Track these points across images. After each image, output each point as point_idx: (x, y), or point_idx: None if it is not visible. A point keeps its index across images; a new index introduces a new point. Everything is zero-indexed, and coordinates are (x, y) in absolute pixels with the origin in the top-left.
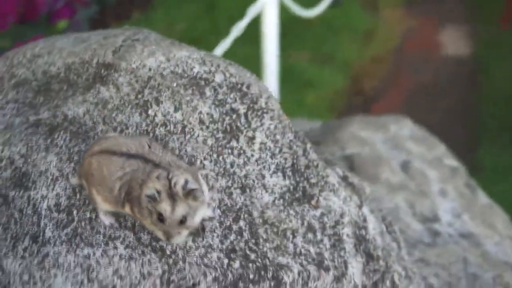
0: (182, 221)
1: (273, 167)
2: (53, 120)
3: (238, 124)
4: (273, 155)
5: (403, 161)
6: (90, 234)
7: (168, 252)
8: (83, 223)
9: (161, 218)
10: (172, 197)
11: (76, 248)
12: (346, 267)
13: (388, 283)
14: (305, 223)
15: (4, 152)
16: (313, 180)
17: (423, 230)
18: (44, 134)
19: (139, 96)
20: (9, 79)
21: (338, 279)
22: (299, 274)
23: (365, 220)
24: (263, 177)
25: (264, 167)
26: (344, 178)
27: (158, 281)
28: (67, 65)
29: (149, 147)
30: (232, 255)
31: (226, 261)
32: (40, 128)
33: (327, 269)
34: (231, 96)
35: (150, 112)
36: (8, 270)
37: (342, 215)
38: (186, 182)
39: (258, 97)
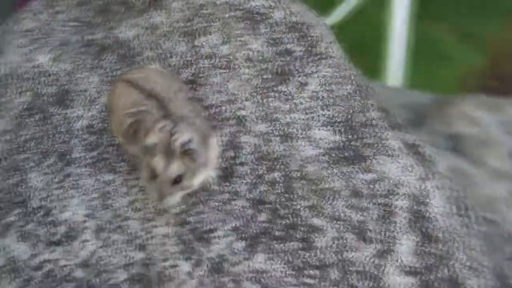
0: (177, 181)
1: (323, 119)
2: (104, 41)
3: (291, 67)
4: (325, 106)
5: None
6: (115, 161)
7: (190, 192)
8: (110, 149)
9: (153, 174)
10: (169, 153)
11: (98, 172)
12: (393, 243)
13: (445, 270)
14: (351, 186)
15: (53, 68)
16: (368, 141)
17: None
18: (93, 55)
19: (188, 24)
20: None
21: (381, 254)
22: (333, 240)
23: (427, 195)
24: (309, 128)
25: (312, 117)
26: (412, 147)
27: (172, 220)
28: None
29: (174, 93)
30: (260, 207)
31: (251, 211)
32: (91, 48)
33: (369, 241)
34: (289, 36)
35: (196, 42)
36: (30, 184)
37: (397, 185)
38: (189, 141)
39: (319, 40)
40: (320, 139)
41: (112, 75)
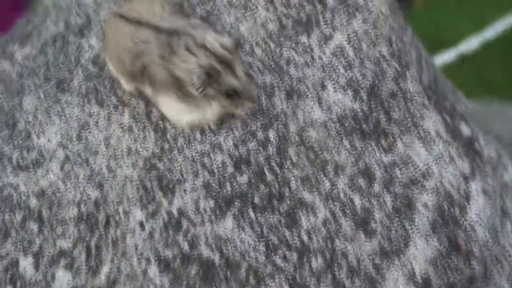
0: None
1: (343, 80)
2: None
3: (319, 17)
4: (348, 66)
5: None
6: (105, 94)
7: (168, 136)
8: (106, 81)
9: (230, 93)
10: (225, 62)
11: (87, 103)
12: (405, 245)
13: None
14: (361, 165)
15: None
16: (395, 115)
17: None
18: None
19: None
20: None
21: (385, 254)
22: (324, 223)
23: (468, 198)
24: (324, 88)
25: (330, 76)
26: (465, 139)
27: (141, 162)
28: None
29: (162, 9)
30: (243, 167)
31: (231, 169)
32: None
33: (370, 234)
34: None
35: None
36: (23, 107)
37: (425, 176)
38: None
39: None
40: (334, 102)
41: None
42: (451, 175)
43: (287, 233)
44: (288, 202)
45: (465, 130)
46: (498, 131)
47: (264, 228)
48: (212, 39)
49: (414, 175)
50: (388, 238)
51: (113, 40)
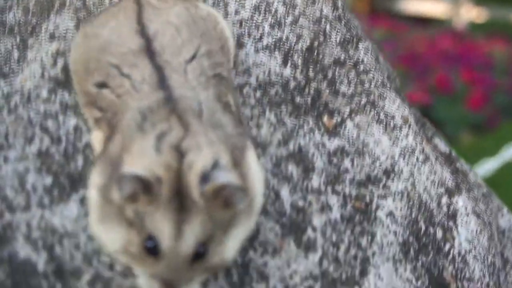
0: (198, 256)
1: (268, 40)
2: None
3: None
4: (277, 24)
5: None
6: None
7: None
8: None
9: (151, 248)
10: (181, 199)
11: None
12: (362, 272)
13: None
14: (292, 146)
15: None
16: (343, 88)
17: None
18: None
19: None
20: None
21: (331, 284)
22: None
23: (454, 217)
24: (241, 46)
25: (249, 34)
26: (445, 154)
27: None
28: None
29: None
30: None
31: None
32: None
33: (306, 249)
34: None
35: None
36: None
37: (389, 173)
38: (215, 165)
39: None
40: (255, 64)
41: None
42: (428, 180)
43: None
44: None
45: (441, 145)
46: None
47: None
48: (202, 158)
49: (373, 170)
50: (335, 259)
51: (102, 33)
